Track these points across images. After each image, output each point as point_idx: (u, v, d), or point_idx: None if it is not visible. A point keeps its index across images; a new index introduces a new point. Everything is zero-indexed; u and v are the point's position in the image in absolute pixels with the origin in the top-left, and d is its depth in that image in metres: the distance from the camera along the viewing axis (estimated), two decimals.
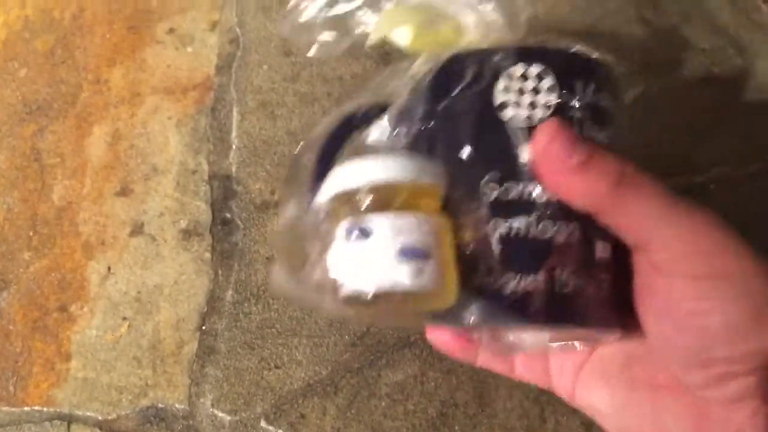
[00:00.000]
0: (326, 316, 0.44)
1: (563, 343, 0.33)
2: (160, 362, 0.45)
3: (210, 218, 0.49)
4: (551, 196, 0.28)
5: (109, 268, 0.48)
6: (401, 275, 0.26)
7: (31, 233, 0.50)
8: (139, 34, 0.58)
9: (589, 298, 0.28)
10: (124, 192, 0.51)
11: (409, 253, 0.27)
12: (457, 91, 0.29)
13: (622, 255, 0.29)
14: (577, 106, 0.29)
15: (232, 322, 0.45)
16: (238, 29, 0.57)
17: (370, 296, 0.27)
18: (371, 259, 0.27)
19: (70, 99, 0.55)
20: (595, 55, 0.31)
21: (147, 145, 0.52)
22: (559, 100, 0.29)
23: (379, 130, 0.31)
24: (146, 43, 0.58)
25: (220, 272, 0.47)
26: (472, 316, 0.28)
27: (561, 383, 0.34)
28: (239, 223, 0.48)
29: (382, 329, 0.44)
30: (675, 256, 0.27)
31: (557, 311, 0.28)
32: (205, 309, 0.46)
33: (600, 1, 0.55)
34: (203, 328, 0.45)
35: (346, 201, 0.28)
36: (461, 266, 0.28)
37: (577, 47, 0.30)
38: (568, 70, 0.29)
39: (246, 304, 0.45)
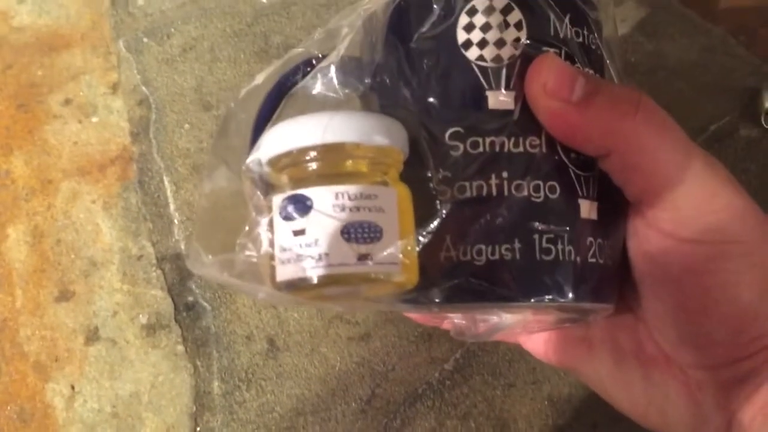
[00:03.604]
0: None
1: (546, 322, 0.28)
2: None
3: (171, 306, 0.45)
4: (527, 148, 0.24)
5: (72, 387, 0.43)
6: (347, 257, 0.22)
7: None
8: (32, 112, 0.52)
9: (575, 266, 0.24)
10: (64, 296, 0.46)
11: (356, 231, 0.22)
12: (414, 29, 0.25)
13: (609, 217, 0.25)
14: (553, 42, 0.25)
15: (227, 417, 0.42)
16: (144, 88, 0.52)
17: (312, 281, 0.22)
18: (312, 237, 0.22)
19: None
20: None
21: (76, 237, 0.47)
22: (531, 37, 0.25)
23: (324, 80, 0.26)
24: (42, 121, 0.52)
25: (199, 363, 0.43)
26: (437, 298, 0.24)
27: (531, 340, 0.30)
28: (205, 304, 0.45)
29: (386, 390, 0.42)
30: (683, 216, 0.23)
31: (538, 283, 0.24)
32: (194, 408, 0.42)
33: None
34: (197, 430, 0.42)
35: (285, 167, 0.24)
36: (422, 239, 0.24)
37: None
38: (535, 4, 0.25)
39: (237, 393, 0.43)
